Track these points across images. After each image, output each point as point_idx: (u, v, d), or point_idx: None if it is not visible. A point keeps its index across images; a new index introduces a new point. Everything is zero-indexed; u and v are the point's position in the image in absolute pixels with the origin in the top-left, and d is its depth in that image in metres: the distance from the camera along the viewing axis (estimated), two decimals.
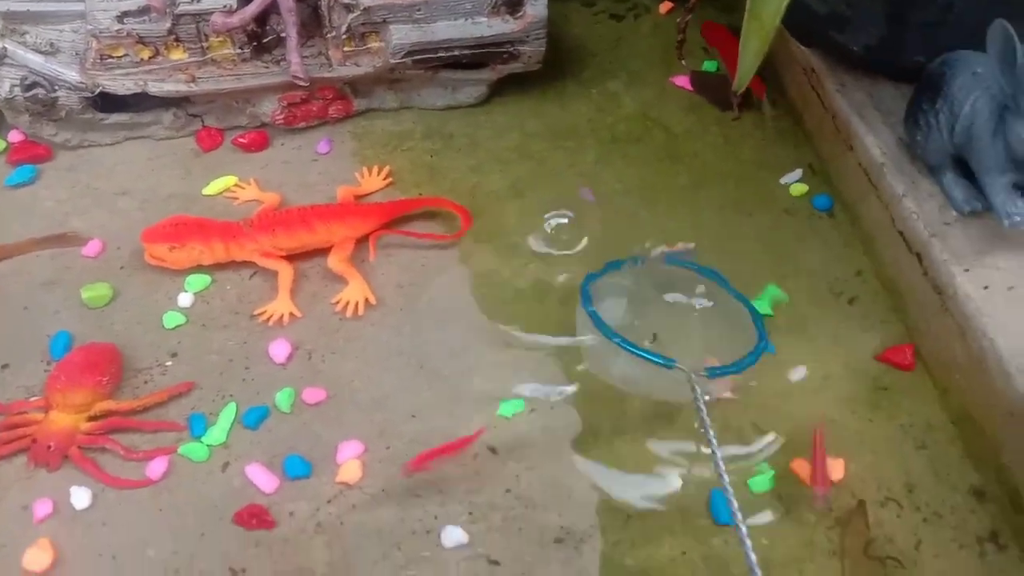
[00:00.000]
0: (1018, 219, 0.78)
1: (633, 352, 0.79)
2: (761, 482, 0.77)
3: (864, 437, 0.81)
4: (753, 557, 0.67)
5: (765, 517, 0.75)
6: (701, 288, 0.88)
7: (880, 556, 0.74)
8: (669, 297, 0.88)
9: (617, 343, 0.79)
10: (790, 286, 0.92)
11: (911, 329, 0.88)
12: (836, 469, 0.78)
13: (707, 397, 0.77)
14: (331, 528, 0.75)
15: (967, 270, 0.82)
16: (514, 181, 1.01)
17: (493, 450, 0.79)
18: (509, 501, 0.76)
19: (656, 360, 0.79)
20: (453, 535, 0.74)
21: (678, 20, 1.03)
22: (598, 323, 0.81)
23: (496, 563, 0.73)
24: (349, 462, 0.78)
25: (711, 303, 0.87)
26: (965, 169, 0.86)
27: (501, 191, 1.01)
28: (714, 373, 0.79)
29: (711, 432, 0.73)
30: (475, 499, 0.77)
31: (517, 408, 0.82)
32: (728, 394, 0.84)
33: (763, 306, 0.90)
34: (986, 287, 0.80)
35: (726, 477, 0.71)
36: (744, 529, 0.68)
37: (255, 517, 0.74)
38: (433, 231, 0.96)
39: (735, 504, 0.69)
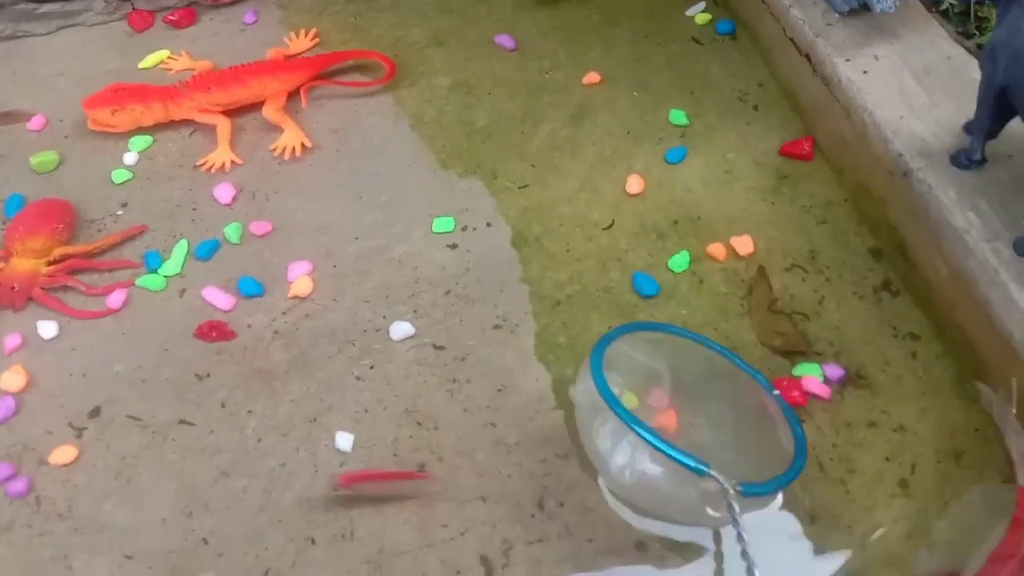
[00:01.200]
0: (886, 4, 0.86)
1: (659, 448, 0.63)
2: (679, 262, 0.85)
3: (769, 218, 0.89)
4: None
5: (682, 290, 0.84)
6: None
7: (786, 312, 0.83)
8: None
9: (641, 435, 0.63)
10: (699, 101, 0.99)
11: (808, 124, 0.96)
12: (745, 246, 0.86)
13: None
14: (288, 334, 0.81)
15: (848, 60, 0.89)
16: (435, 32, 1.07)
17: (431, 259, 0.86)
18: (450, 299, 0.83)
19: (687, 463, 0.62)
20: (401, 328, 0.81)
21: None
22: (613, 404, 0.64)
23: (441, 348, 0.80)
24: (300, 279, 0.84)
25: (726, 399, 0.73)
26: None
27: (423, 42, 1.06)
28: (750, 491, 0.63)
29: (751, 558, 0.61)
30: (418, 300, 0.84)
31: (448, 226, 0.89)
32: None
33: (678, 118, 0.98)
34: (865, 72, 0.88)
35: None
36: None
37: (215, 330, 0.81)
38: (361, 80, 1.01)
39: None
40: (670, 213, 0.90)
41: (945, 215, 0.77)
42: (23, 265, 0.83)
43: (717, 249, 0.86)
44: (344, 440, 0.74)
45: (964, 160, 0.78)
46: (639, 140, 0.96)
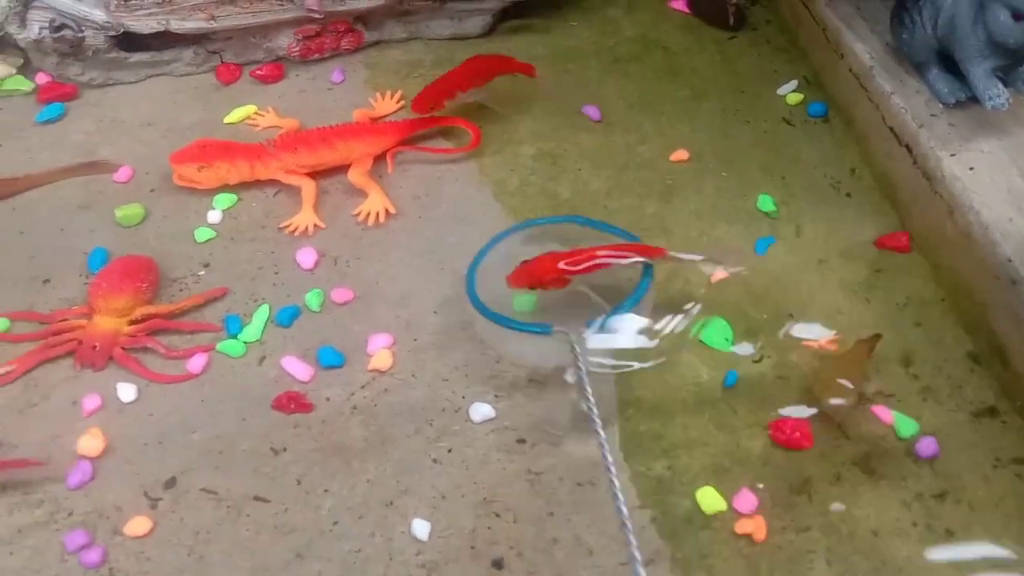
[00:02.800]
0: (999, 101, 0.83)
1: (507, 326, 0.76)
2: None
3: (863, 316, 0.86)
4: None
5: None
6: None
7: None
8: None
9: (499, 322, 0.76)
10: (790, 185, 0.97)
11: (904, 216, 0.93)
12: (831, 339, 0.83)
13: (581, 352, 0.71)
14: (366, 409, 0.80)
15: (953, 155, 0.86)
16: (519, 100, 1.06)
17: None
18: (532, 383, 0.81)
19: (533, 330, 0.76)
20: (481, 410, 0.79)
21: None
22: (476, 303, 0.78)
23: (521, 434, 0.78)
24: (379, 352, 0.83)
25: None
26: (948, 65, 0.91)
27: (508, 109, 1.06)
28: (594, 324, 0.74)
29: (589, 392, 0.68)
30: (499, 381, 0.82)
31: (530, 305, 0.87)
32: (722, 272, 0.87)
33: (766, 204, 0.95)
34: (971, 168, 0.85)
35: (603, 434, 0.67)
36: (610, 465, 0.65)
37: (293, 402, 0.79)
38: (447, 147, 1.01)
39: (616, 485, 0.64)
40: (760, 306, 0.88)
41: None
42: (105, 324, 0.83)
43: (810, 344, 0.83)
44: (421, 528, 0.72)
45: None
46: (727, 223, 0.94)
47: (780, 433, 0.78)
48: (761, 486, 0.74)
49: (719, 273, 0.88)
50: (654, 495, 0.74)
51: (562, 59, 1.12)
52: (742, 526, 0.72)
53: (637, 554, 0.61)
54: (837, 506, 0.73)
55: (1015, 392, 0.79)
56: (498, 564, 0.71)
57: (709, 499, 0.74)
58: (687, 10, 1.15)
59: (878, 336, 0.82)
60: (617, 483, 0.63)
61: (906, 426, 0.79)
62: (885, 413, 0.79)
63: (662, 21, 1.16)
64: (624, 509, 0.62)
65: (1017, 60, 0.83)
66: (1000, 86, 0.83)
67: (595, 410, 0.67)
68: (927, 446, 0.77)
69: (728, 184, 0.98)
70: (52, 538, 0.72)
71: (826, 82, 1.05)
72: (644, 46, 1.13)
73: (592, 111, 1.05)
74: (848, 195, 0.96)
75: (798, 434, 0.77)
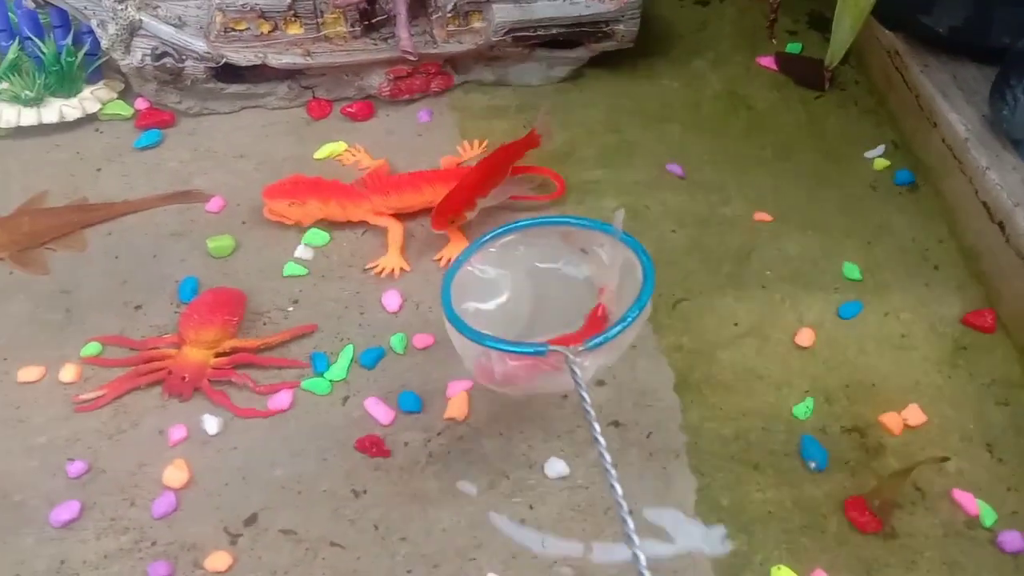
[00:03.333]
0: None
1: (497, 347, 0.70)
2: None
3: (945, 393, 0.85)
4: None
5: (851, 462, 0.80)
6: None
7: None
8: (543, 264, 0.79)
9: (487, 345, 0.70)
10: (875, 253, 0.96)
11: (991, 294, 0.92)
12: (916, 416, 0.82)
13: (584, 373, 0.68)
14: (442, 457, 0.81)
15: None
16: (603, 151, 1.07)
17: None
18: (606, 439, 0.82)
19: (527, 351, 0.70)
20: (556, 467, 0.79)
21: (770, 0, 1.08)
22: (459, 326, 0.72)
23: (595, 493, 0.78)
24: (457, 398, 0.84)
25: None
26: None
27: (591, 160, 1.06)
28: (594, 344, 0.69)
29: (592, 415, 0.66)
30: (575, 437, 0.82)
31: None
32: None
33: (852, 272, 0.95)
34: None
35: (608, 458, 0.64)
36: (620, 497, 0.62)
37: (374, 445, 0.81)
38: (530, 194, 1.02)
39: (618, 491, 0.61)
40: (842, 375, 0.87)
41: None
42: (194, 355, 0.85)
43: (891, 419, 0.83)
44: None
45: None
46: (811, 288, 0.93)
47: (857, 515, 0.78)
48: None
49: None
50: (729, 570, 0.75)
51: (647, 113, 1.12)
52: None
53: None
54: None
55: None
56: None
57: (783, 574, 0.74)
58: (775, 67, 1.15)
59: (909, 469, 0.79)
60: (619, 489, 0.61)
61: (989, 516, 0.78)
62: (969, 500, 0.78)
63: (749, 77, 1.16)
64: (629, 521, 0.60)
65: None
66: None
67: (596, 426, 0.65)
68: (1012, 540, 0.76)
69: (812, 247, 0.97)
70: (136, 566, 0.74)
71: (916, 149, 1.04)
72: (730, 102, 1.14)
73: (676, 168, 1.05)
74: (936, 267, 0.95)
75: (869, 514, 0.77)
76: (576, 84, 1.15)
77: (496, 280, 0.80)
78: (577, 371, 0.68)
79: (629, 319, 0.70)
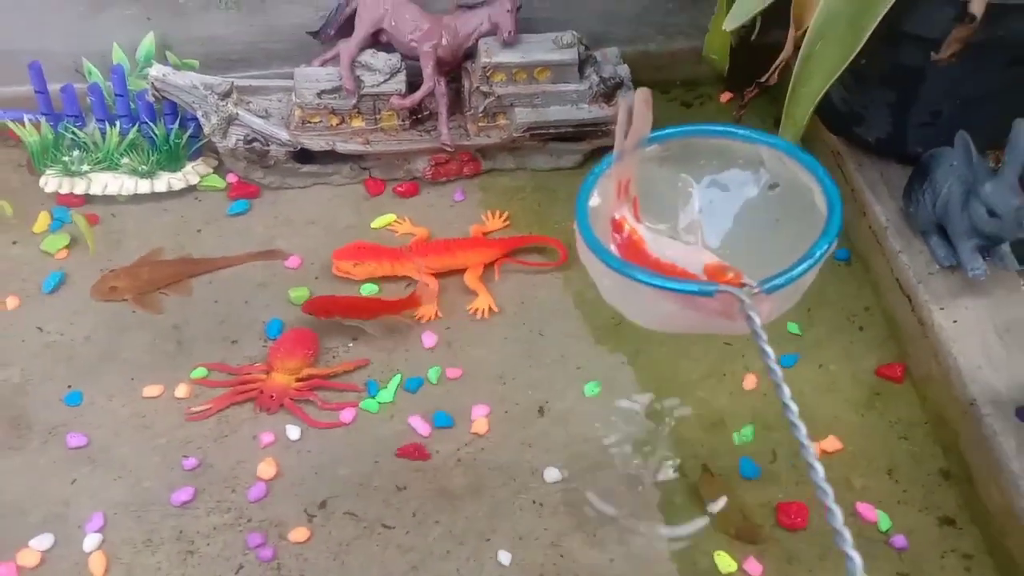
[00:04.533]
0: (977, 272, 1.06)
1: (659, 287, 0.62)
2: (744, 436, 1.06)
3: (859, 428, 1.09)
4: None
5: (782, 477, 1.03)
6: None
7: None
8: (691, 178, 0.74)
9: (638, 279, 0.62)
10: (814, 315, 1.21)
11: (902, 352, 1.16)
12: (834, 445, 1.06)
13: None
14: (467, 463, 1.05)
15: (943, 308, 1.09)
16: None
17: (582, 417, 1.09)
18: (595, 455, 1.05)
19: (692, 290, 0.62)
20: (552, 473, 1.04)
21: (734, 113, 1.33)
22: (602, 254, 0.65)
23: (584, 496, 1.02)
24: (479, 419, 1.09)
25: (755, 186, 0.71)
26: (945, 234, 1.13)
27: None
28: (772, 286, 0.61)
29: (772, 358, 0.63)
30: (570, 451, 1.06)
31: (595, 391, 1.12)
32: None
33: (793, 329, 1.19)
34: (955, 321, 1.08)
35: (786, 390, 0.63)
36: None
37: (416, 451, 1.06)
38: (540, 261, 1.28)
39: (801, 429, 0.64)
40: (778, 411, 1.10)
41: (1004, 459, 0.95)
42: (280, 379, 1.11)
43: (829, 443, 1.07)
44: (505, 557, 0.97)
45: (1020, 414, 0.97)
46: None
47: (785, 515, 1.01)
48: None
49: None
50: (684, 552, 0.98)
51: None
52: None
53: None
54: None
55: (974, 506, 1.00)
56: None
57: (725, 562, 0.97)
58: None
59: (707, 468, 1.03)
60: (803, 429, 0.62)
61: (884, 522, 1.01)
62: (869, 511, 1.01)
63: None
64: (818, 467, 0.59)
65: (995, 241, 1.05)
66: (980, 260, 1.06)
67: (778, 371, 0.60)
68: (899, 541, 0.99)
69: None
70: (237, 537, 0.99)
71: (850, 233, 1.29)
72: None
73: None
74: (860, 328, 1.19)
75: (796, 517, 1.00)
76: (581, 169, 1.40)
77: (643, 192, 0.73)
78: (755, 318, 0.60)
79: (817, 254, 0.61)
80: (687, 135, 0.76)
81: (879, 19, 1.05)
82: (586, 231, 0.70)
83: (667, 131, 0.75)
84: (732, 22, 1.20)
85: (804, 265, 0.62)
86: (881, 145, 1.24)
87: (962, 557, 0.98)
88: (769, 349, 0.62)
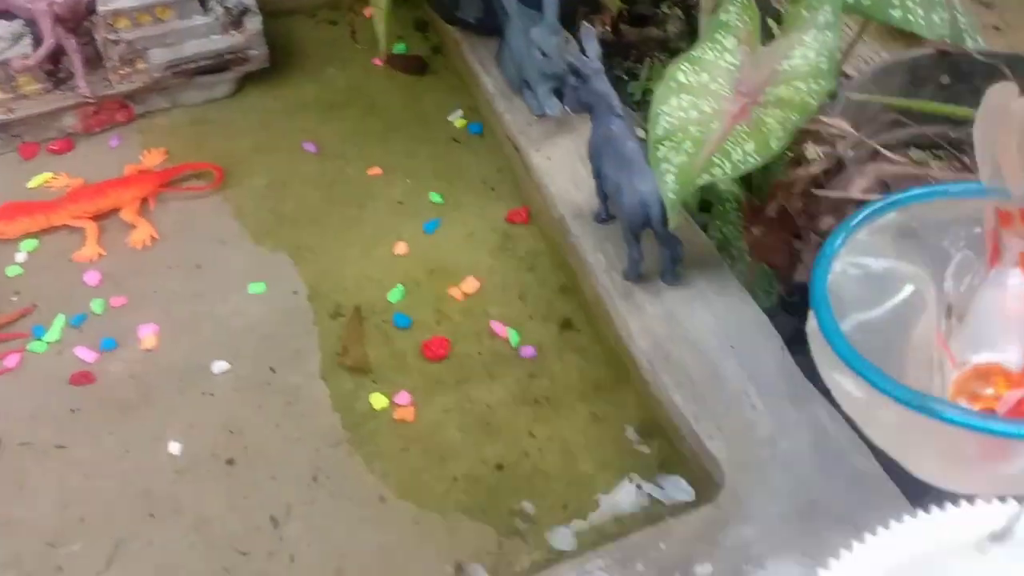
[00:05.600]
0: (553, 111, 1.22)
1: (955, 422, 0.43)
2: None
3: (494, 267, 1.24)
4: None
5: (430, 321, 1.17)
6: None
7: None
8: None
9: (933, 414, 0.43)
10: (454, 185, 1.35)
11: (524, 197, 1.32)
12: (472, 286, 1.21)
13: None
14: (139, 376, 1.12)
15: (539, 150, 1.26)
16: (256, 144, 1.42)
17: (247, 314, 1.18)
18: (262, 343, 1.15)
19: (1006, 431, 0.42)
20: (220, 366, 1.13)
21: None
22: (868, 372, 0.44)
23: (251, 378, 1.11)
24: (148, 336, 1.16)
25: None
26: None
27: (246, 151, 1.41)
28: None
29: None
30: (238, 344, 1.15)
31: (260, 289, 1.21)
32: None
33: (436, 198, 1.32)
34: (549, 158, 1.25)
35: None
36: None
37: (84, 377, 1.11)
38: (197, 185, 1.34)
39: None
40: (425, 268, 1.24)
41: (586, 255, 1.12)
42: None
43: (454, 290, 1.21)
44: (175, 447, 1.05)
45: (597, 219, 1.14)
46: (406, 216, 1.31)
47: (428, 350, 1.15)
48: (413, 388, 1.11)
49: None
50: (343, 401, 1.09)
51: (289, 110, 1.48)
52: (400, 414, 1.08)
53: None
54: (465, 391, 1.10)
55: (585, 309, 1.18)
56: (231, 462, 1.04)
57: (378, 400, 1.09)
58: (387, 64, 1.53)
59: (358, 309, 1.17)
60: None
61: (515, 338, 1.16)
62: (502, 330, 1.17)
63: (368, 74, 1.54)
64: None
65: (560, 80, 1.22)
66: (554, 99, 1.23)
67: None
68: (528, 350, 1.15)
69: (409, 188, 1.35)
70: None
71: (479, 107, 1.44)
72: (353, 94, 1.51)
73: (310, 147, 1.41)
74: (492, 188, 1.34)
75: (438, 349, 1.14)
76: (235, 98, 1.49)
77: (884, 274, 0.52)
78: None
79: None
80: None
81: None
82: (828, 326, 0.46)
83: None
84: None
85: None
86: (481, 25, 1.39)
87: (578, 350, 1.15)
88: None
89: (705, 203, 1.25)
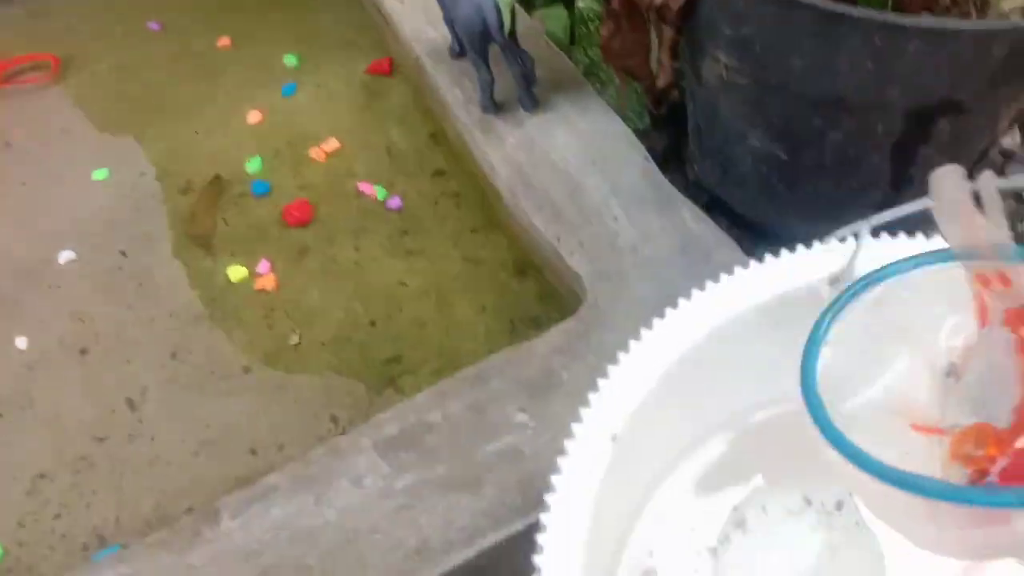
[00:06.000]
0: None
1: (946, 498, 0.40)
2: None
3: (358, 125, 1.16)
4: None
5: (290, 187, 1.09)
6: None
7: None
8: None
9: (921, 492, 0.40)
10: (312, 47, 1.25)
11: (388, 49, 1.23)
12: (333, 145, 1.13)
13: None
14: None
15: None
16: (96, 28, 1.31)
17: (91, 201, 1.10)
18: (108, 228, 1.07)
19: (1000, 501, 0.39)
20: (66, 255, 1.05)
21: None
22: (853, 455, 0.42)
23: (99, 264, 1.04)
24: None
25: None
26: None
27: (86, 37, 1.29)
28: None
29: None
30: (83, 230, 1.07)
31: (104, 175, 1.11)
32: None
33: (291, 61, 1.23)
34: (402, 1, 1.15)
35: None
36: None
37: None
38: (33, 76, 1.25)
39: None
40: (284, 135, 1.16)
41: (445, 95, 1.04)
42: None
43: (315, 152, 1.13)
44: (21, 342, 0.98)
45: (452, 53, 1.06)
46: (260, 84, 1.21)
47: (290, 216, 1.07)
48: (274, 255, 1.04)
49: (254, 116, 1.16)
50: (200, 278, 1.02)
51: None
52: (260, 283, 1.02)
53: None
54: (331, 254, 1.03)
55: (454, 154, 1.10)
56: (84, 351, 0.98)
57: (236, 272, 1.02)
58: None
59: (218, 178, 1.10)
60: None
61: (381, 192, 1.09)
62: (369, 188, 1.09)
63: None
64: None
65: None
66: None
67: None
68: (395, 202, 1.08)
69: (262, 55, 1.25)
70: None
71: None
72: None
73: (155, 25, 1.30)
74: (354, 46, 1.25)
75: (300, 214, 1.07)
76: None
77: (875, 347, 0.48)
78: None
79: None
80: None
81: None
82: (818, 414, 0.45)
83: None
84: None
85: None
86: None
87: (451, 195, 1.08)
88: None
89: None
